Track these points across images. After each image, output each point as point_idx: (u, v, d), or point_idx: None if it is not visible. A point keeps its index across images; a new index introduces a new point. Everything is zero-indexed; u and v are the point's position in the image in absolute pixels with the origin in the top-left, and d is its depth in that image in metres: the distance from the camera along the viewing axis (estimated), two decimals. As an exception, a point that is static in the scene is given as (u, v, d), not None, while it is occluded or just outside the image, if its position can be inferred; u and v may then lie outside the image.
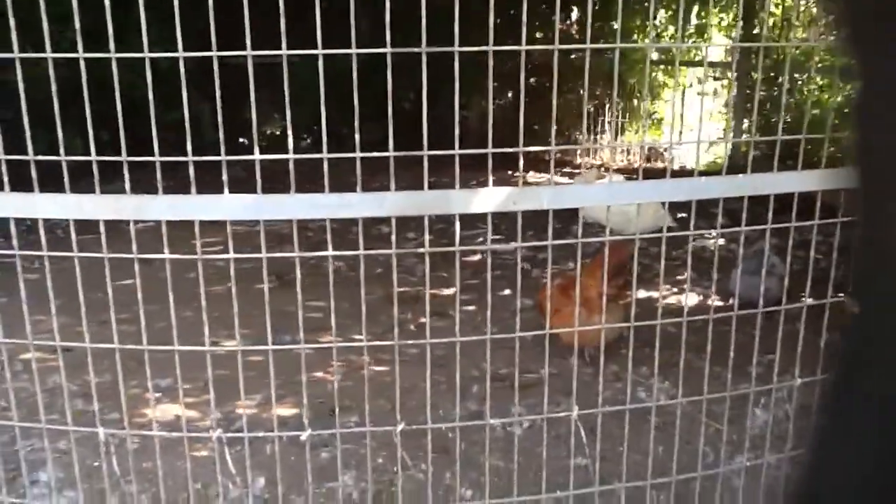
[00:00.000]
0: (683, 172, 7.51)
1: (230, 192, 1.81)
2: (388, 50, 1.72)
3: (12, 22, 1.71)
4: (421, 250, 1.93)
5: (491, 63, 1.79)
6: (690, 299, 4.10)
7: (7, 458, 2.43)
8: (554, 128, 1.98)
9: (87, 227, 1.86)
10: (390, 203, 1.84)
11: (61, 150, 1.79)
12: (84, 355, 1.94)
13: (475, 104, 9.14)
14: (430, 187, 1.86)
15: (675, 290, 4.19)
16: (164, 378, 2.92)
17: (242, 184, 1.79)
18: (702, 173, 2.03)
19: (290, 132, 1.82)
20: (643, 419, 2.17)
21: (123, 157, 1.78)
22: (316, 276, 2.12)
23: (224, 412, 2.85)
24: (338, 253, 1.90)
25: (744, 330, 2.15)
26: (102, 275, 1.94)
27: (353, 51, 1.74)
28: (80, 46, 1.75)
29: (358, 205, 1.83)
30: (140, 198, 1.80)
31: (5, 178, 1.81)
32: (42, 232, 1.86)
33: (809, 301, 2.14)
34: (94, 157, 1.78)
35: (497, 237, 4.95)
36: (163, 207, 1.81)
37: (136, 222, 1.82)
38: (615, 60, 1.97)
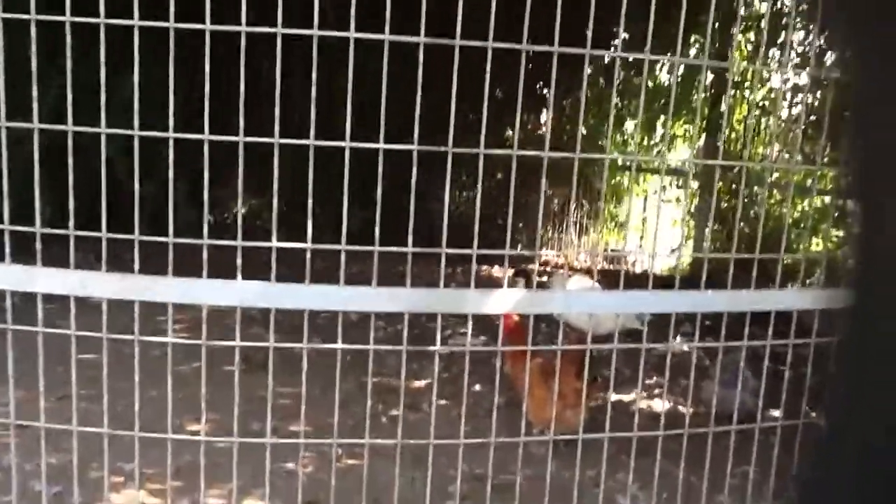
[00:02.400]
0: (643, 277, 7.63)
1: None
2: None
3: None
4: (400, 348, 1.90)
5: (449, 165, 1.82)
6: (661, 406, 4.09)
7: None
8: (510, 232, 2.00)
9: (48, 296, 1.79)
10: (405, 299, 1.81)
11: (71, 223, 1.73)
12: (42, 433, 1.84)
13: (443, 196, 9.24)
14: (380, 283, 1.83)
15: (645, 395, 4.19)
16: (128, 462, 2.78)
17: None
18: (660, 279, 2.06)
19: (310, 221, 1.79)
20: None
21: (136, 236, 1.73)
22: (285, 361, 2.06)
23: (191, 501, 2.71)
24: (314, 346, 1.85)
25: (718, 441, 2.14)
26: (64, 347, 1.86)
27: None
28: (69, 119, 1.73)
29: (373, 299, 1.79)
30: (149, 279, 1.74)
31: (7, 250, 1.75)
32: (9, 302, 1.79)
33: (782, 420, 2.15)
34: (104, 233, 1.73)
35: (460, 332, 4.93)
36: (175, 289, 1.75)
37: (140, 303, 1.75)
38: (574, 169, 2.01)
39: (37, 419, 1.87)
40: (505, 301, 1.86)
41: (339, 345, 1.83)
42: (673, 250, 7.85)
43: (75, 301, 1.77)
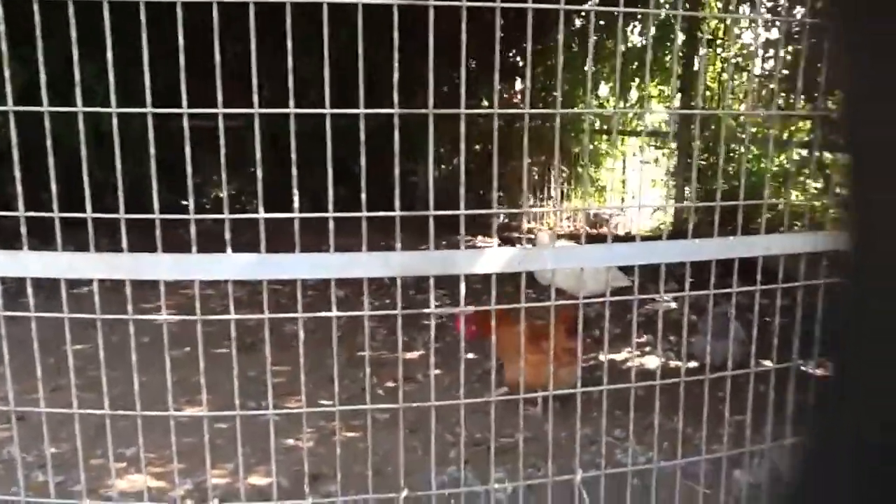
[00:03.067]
0: (627, 238, 7.68)
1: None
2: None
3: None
4: (394, 312, 1.89)
5: (431, 126, 1.80)
6: (653, 362, 4.13)
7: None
8: (496, 193, 2.00)
9: (33, 286, 1.76)
10: (397, 262, 1.79)
11: (55, 206, 1.70)
12: (40, 424, 1.82)
13: (423, 169, 9.21)
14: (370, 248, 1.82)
15: (638, 352, 4.22)
16: (129, 447, 2.78)
17: (187, 246, 1.73)
18: (645, 239, 2.06)
19: (295, 193, 1.77)
20: (622, 482, 2.13)
21: (122, 215, 1.70)
22: (275, 340, 2.05)
23: (195, 482, 2.70)
24: (309, 315, 1.84)
25: (712, 393, 2.16)
26: (52, 339, 1.84)
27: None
28: (44, 101, 1.70)
29: (365, 264, 1.78)
30: (138, 256, 1.70)
31: None
32: (-1, 288, 1.76)
33: (775, 364, 2.16)
34: (89, 213, 1.69)
35: (445, 300, 4.94)
36: (166, 266, 1.71)
37: (132, 282, 1.73)
38: (556, 126, 2.00)
39: (33, 410, 1.85)
40: (495, 259, 1.85)
41: (335, 312, 1.82)
42: (655, 209, 7.90)
43: (54, 291, 1.74)
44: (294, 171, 1.76)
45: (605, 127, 9.73)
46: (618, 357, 4.23)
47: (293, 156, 1.75)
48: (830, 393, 0.78)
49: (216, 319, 1.94)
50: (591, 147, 9.70)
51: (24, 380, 1.86)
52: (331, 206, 1.75)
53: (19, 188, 1.67)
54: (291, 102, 1.73)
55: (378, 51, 2.04)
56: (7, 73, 1.65)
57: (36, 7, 1.63)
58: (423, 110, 1.79)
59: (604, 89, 10.02)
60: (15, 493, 1.92)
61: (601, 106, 9.87)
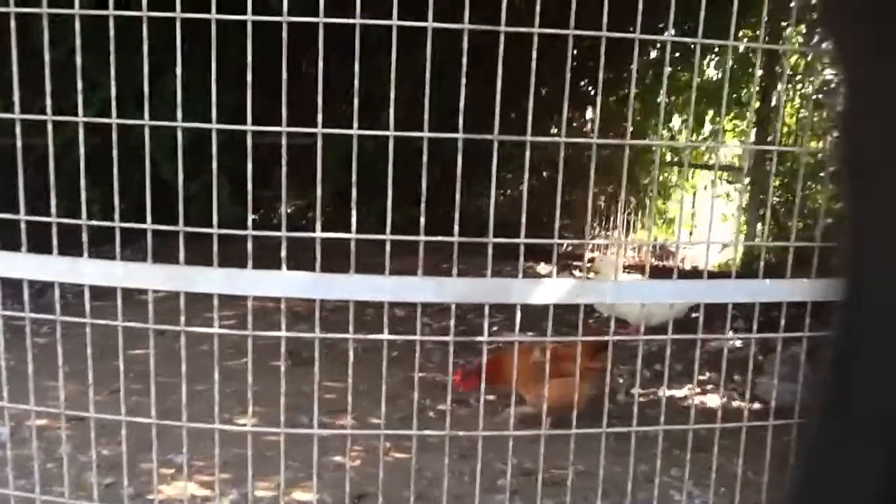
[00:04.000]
0: (694, 273, 7.51)
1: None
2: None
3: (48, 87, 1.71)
4: (447, 338, 1.87)
5: (495, 153, 1.78)
6: (715, 401, 4.00)
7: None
8: (558, 222, 1.96)
9: (98, 293, 1.80)
10: (451, 289, 1.78)
11: (116, 217, 1.74)
12: (96, 425, 1.85)
13: (489, 192, 9.22)
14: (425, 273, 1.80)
15: (698, 390, 4.10)
16: (178, 454, 2.81)
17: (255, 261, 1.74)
18: (712, 275, 2.00)
19: (353, 211, 1.77)
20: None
21: (181, 227, 1.73)
22: (331, 357, 2.05)
23: (240, 493, 2.73)
24: (360, 336, 1.83)
25: (777, 438, 2.07)
26: (112, 343, 1.87)
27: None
28: (113, 111, 1.74)
29: (419, 289, 1.77)
30: (194, 269, 1.74)
31: (55, 242, 1.76)
32: (57, 295, 1.80)
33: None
34: (149, 225, 1.73)
35: (506, 330, 4.89)
36: (219, 280, 1.74)
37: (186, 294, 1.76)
38: (625, 157, 1.96)
39: (88, 412, 1.89)
40: (552, 290, 1.81)
41: (386, 335, 1.80)
42: (725, 245, 7.71)
43: (122, 297, 1.78)
44: (353, 192, 1.77)
45: (676, 159, 9.58)
46: (678, 394, 4.11)
47: (353, 177, 1.76)
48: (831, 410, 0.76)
49: (262, 327, 1.95)
50: (661, 179, 9.56)
51: (84, 381, 1.90)
52: (388, 229, 1.75)
53: (83, 197, 1.72)
54: (355, 124, 1.73)
55: (449, 76, 2.04)
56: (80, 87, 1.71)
57: (111, 23, 1.68)
58: (488, 136, 1.77)
59: (676, 122, 9.87)
60: (59, 495, 1.95)
61: (672, 138, 9.74)
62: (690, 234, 9.58)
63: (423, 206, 1.78)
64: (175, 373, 1.99)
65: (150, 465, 2.72)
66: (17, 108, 1.73)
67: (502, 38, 1.74)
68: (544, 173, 9.51)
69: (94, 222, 1.74)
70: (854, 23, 0.68)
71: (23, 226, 1.75)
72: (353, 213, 1.77)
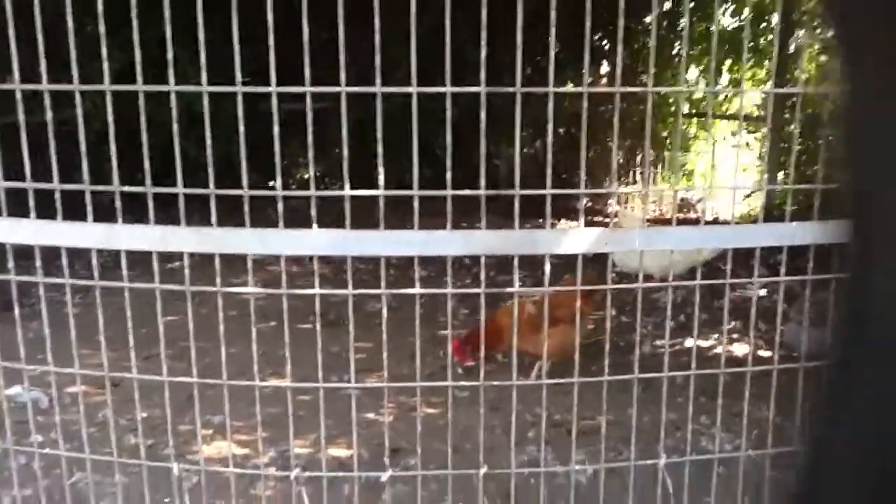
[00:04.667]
0: (717, 223, 7.46)
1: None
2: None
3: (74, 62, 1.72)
4: (477, 290, 1.88)
5: (519, 105, 1.78)
6: (741, 350, 4.01)
7: (58, 492, 2.38)
8: (584, 170, 1.95)
9: (129, 263, 1.84)
10: (479, 242, 1.79)
11: (147, 182, 1.76)
12: (133, 390, 1.90)
13: (504, 152, 9.17)
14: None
15: (726, 339, 4.11)
16: (216, 415, 2.88)
17: (274, 225, 1.76)
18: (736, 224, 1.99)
19: (381, 169, 1.78)
20: (707, 470, 2.08)
21: (212, 190, 1.75)
22: (358, 317, 2.07)
23: (279, 451, 2.79)
24: (393, 291, 1.85)
25: (806, 384, 2.07)
26: (146, 311, 1.91)
27: (416, 89, 1.72)
28: (139, 80, 1.75)
29: (447, 243, 1.78)
30: (227, 230, 1.75)
31: (89, 209, 1.79)
32: (95, 261, 1.83)
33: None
34: (180, 189, 1.75)
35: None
36: (253, 240, 1.76)
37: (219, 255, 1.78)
38: (648, 105, 1.95)
39: (125, 376, 1.93)
40: (580, 240, 1.82)
41: (417, 290, 1.82)
42: (751, 192, 7.65)
43: (159, 262, 1.81)
44: (380, 149, 1.77)
45: (694, 111, 9.48)
46: (705, 344, 4.13)
47: (379, 133, 1.76)
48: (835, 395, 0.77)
49: (301, 295, 1.98)
50: (681, 131, 9.47)
51: (121, 348, 1.94)
52: (415, 184, 1.76)
53: (114, 164, 1.74)
54: (378, 80, 1.73)
55: (464, 33, 2.03)
56: (105, 55, 1.71)
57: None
58: (511, 89, 1.77)
59: (693, 73, 9.74)
60: (108, 454, 2.00)
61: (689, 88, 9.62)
62: (711, 185, 9.52)
63: (448, 160, 1.79)
64: (206, 338, 2.02)
65: (188, 427, 2.81)
66: (44, 79, 1.74)
67: None
68: (561, 130, 9.45)
69: (128, 188, 1.76)
70: (855, 9, 0.67)
71: (57, 195, 1.78)
72: (381, 169, 1.77)
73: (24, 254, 1.87)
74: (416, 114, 1.73)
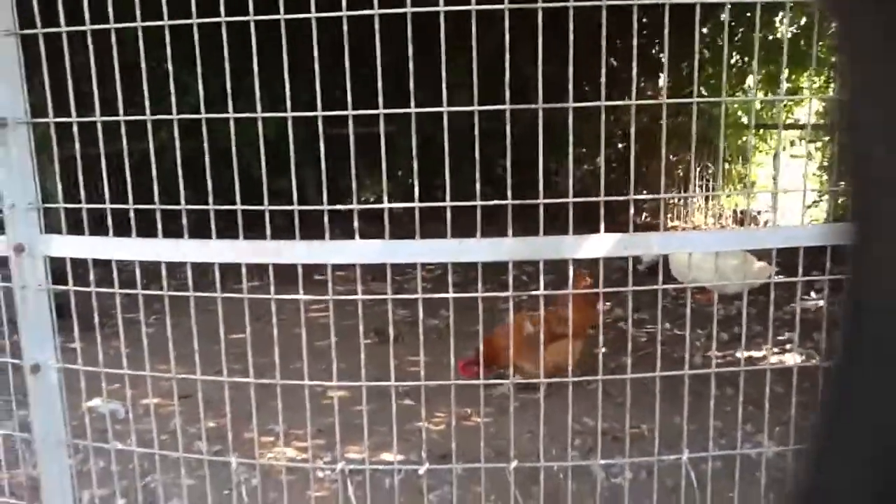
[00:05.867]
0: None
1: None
2: (475, 108, 1.83)
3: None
4: (506, 294, 1.98)
5: (570, 118, 1.87)
6: (794, 360, 3.98)
7: (132, 492, 2.56)
8: (633, 180, 2.02)
9: (198, 285, 1.99)
10: (508, 248, 1.93)
11: (210, 198, 1.94)
12: (202, 401, 2.04)
13: (565, 168, 9.20)
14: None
15: (777, 350, 4.08)
16: (276, 424, 3.03)
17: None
18: None
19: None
20: (752, 474, 2.11)
21: (266, 207, 1.92)
22: (412, 334, 2.18)
23: (334, 456, 2.92)
24: (428, 296, 1.97)
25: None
26: (212, 328, 2.06)
27: (476, 108, 1.83)
28: (202, 109, 1.92)
29: (477, 250, 1.92)
30: (279, 243, 1.95)
31: (159, 227, 1.98)
32: (164, 272, 1.99)
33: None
34: (238, 206, 1.92)
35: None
36: (302, 251, 1.95)
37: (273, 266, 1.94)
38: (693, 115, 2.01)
39: (196, 389, 2.08)
40: (600, 244, 1.91)
41: (450, 294, 1.96)
42: (809, 206, 7.52)
43: (219, 286, 1.97)
44: (446, 167, 1.89)
45: (754, 121, 9.33)
46: (756, 354, 4.11)
47: (446, 149, 1.90)
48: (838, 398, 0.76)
49: (351, 310, 2.10)
50: (738, 143, 9.35)
51: (190, 363, 2.09)
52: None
53: (181, 184, 1.92)
54: (444, 99, 1.85)
55: (520, 55, 2.12)
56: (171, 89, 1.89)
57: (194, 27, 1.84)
58: (565, 104, 1.87)
59: (750, 82, 9.61)
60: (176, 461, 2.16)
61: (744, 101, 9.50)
62: (774, 197, 9.34)
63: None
64: (270, 353, 2.16)
65: (252, 436, 2.95)
66: (121, 111, 1.93)
67: (571, 10, 1.82)
68: (620, 145, 9.43)
69: (192, 206, 1.94)
70: (861, 8, 0.67)
71: (132, 214, 1.96)
72: (447, 185, 1.90)
73: (104, 279, 2.05)
74: (475, 134, 1.84)
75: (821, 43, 8.10)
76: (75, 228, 2.05)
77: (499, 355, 3.47)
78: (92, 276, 2.03)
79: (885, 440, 0.66)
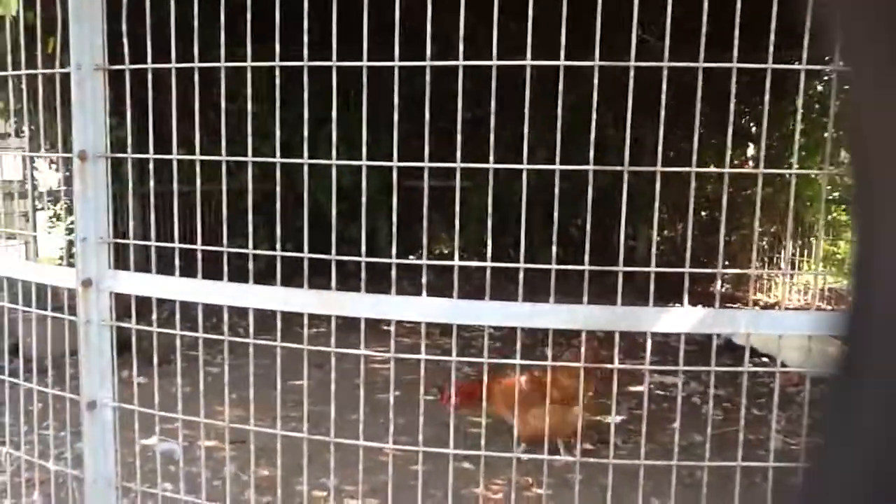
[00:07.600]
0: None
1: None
2: (557, 167, 1.76)
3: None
4: (577, 365, 1.89)
5: (658, 182, 1.78)
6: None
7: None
8: (690, 244, 1.93)
9: (261, 327, 1.96)
10: (583, 316, 1.82)
11: (277, 245, 1.91)
12: (256, 448, 1.99)
13: (643, 233, 9.05)
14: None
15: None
16: (328, 478, 2.96)
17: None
18: None
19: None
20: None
21: (333, 256, 1.88)
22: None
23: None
24: (494, 360, 1.89)
25: None
26: (272, 374, 2.02)
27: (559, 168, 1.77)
28: (277, 153, 1.91)
29: (550, 315, 1.82)
30: (345, 294, 1.89)
31: (225, 270, 1.96)
32: (226, 316, 1.96)
33: None
34: (306, 254, 1.87)
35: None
36: (367, 304, 1.88)
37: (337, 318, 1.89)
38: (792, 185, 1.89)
39: (249, 436, 2.03)
40: (683, 319, 1.79)
41: (518, 360, 1.85)
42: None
43: (281, 332, 1.92)
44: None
45: (843, 196, 9.01)
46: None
47: (523, 207, 1.83)
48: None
49: (413, 363, 2.03)
50: (829, 218, 9.03)
51: (247, 409, 2.05)
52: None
53: (250, 229, 1.90)
54: (524, 156, 1.80)
55: (606, 113, 2.08)
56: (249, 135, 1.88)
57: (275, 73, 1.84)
58: (651, 168, 1.79)
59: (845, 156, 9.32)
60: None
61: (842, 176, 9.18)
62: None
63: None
64: (328, 401, 2.11)
65: (300, 488, 2.89)
66: (197, 150, 1.93)
67: (665, 72, 1.76)
68: (703, 213, 9.23)
69: (260, 251, 1.91)
70: (867, 36, 0.66)
71: (199, 254, 1.95)
72: (522, 245, 1.82)
73: (171, 313, 2.04)
74: (558, 191, 1.78)
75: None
76: (144, 265, 2.06)
77: (474, 395, 3.39)
78: (155, 316, 2.02)
79: (887, 456, 0.61)
